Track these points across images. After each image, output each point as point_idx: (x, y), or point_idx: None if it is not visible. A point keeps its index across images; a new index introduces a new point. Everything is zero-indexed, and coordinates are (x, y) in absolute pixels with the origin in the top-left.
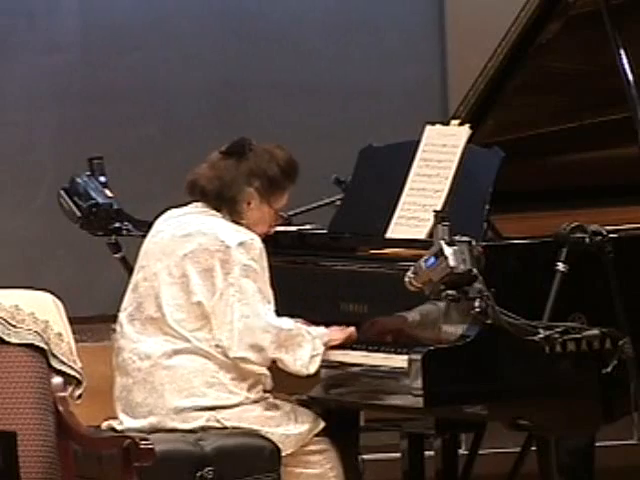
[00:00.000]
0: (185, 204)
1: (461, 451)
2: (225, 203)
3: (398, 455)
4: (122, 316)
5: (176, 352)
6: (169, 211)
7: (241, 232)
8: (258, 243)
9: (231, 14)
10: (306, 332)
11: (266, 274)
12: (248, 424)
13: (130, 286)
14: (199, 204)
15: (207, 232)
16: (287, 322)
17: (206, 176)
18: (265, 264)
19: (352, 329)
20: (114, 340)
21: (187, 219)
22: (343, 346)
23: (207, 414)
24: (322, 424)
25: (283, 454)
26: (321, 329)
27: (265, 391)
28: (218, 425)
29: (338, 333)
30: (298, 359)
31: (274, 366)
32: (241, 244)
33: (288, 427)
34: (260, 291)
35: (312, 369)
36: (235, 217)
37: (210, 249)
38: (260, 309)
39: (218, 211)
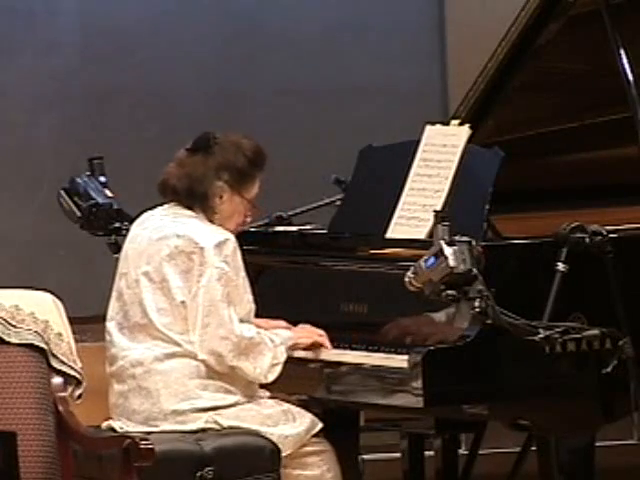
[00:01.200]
0: (158, 205)
1: (461, 451)
2: (197, 200)
3: (398, 455)
4: (110, 325)
5: (167, 356)
6: (144, 214)
7: (215, 232)
8: (232, 243)
9: (230, 15)
10: (269, 340)
11: (240, 274)
12: (246, 423)
13: (114, 294)
14: (172, 204)
15: (181, 234)
16: (249, 330)
17: (175, 175)
18: (239, 264)
19: (319, 338)
20: (105, 349)
21: (161, 222)
22: (343, 346)
23: (205, 415)
24: (320, 425)
25: (283, 454)
26: (286, 333)
27: (262, 386)
28: (217, 426)
29: (305, 335)
30: (257, 367)
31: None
32: (215, 246)
33: (286, 427)
34: (228, 296)
35: (270, 377)
36: (208, 213)
37: (186, 251)
38: (224, 316)
39: (191, 209)
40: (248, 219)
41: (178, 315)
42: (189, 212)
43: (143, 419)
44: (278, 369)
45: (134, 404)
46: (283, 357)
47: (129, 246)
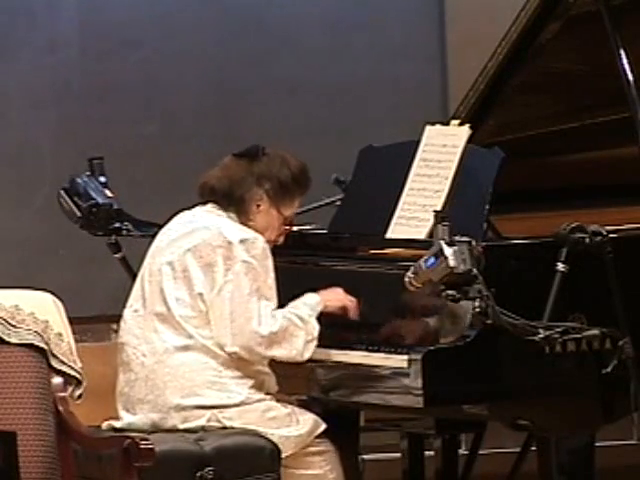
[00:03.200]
0: (193, 205)
1: (461, 451)
2: (233, 202)
3: (398, 455)
4: (127, 312)
5: (179, 349)
6: (181, 212)
7: (245, 231)
8: (261, 242)
9: (231, 12)
10: (298, 319)
11: (269, 273)
12: (248, 424)
13: (137, 280)
14: (210, 205)
15: (211, 228)
16: (279, 321)
17: (216, 176)
18: (268, 263)
19: (348, 302)
20: (118, 336)
21: (194, 218)
22: (343, 346)
23: (208, 413)
24: (323, 426)
25: (283, 455)
26: (313, 299)
27: (268, 393)
28: (219, 425)
29: (334, 297)
30: (293, 349)
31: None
32: (243, 241)
33: (289, 429)
34: (258, 290)
35: (307, 355)
36: (243, 218)
37: (212, 244)
38: (253, 310)
39: (227, 211)
40: (281, 238)
41: (196, 308)
42: (225, 213)
43: (147, 410)
44: (313, 344)
45: (139, 393)
46: (316, 331)
47: (160, 237)
